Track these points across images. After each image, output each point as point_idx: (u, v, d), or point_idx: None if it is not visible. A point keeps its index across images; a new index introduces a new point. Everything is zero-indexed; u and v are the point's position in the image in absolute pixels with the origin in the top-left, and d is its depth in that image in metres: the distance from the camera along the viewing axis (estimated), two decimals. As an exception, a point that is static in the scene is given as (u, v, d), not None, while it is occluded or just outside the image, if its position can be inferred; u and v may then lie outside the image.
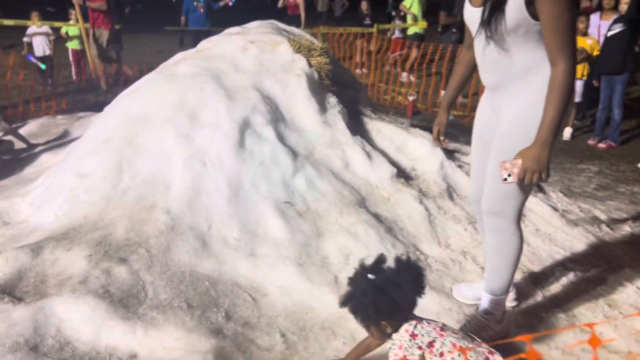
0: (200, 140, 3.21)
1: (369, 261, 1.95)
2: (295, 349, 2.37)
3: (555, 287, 2.91)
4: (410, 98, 7.39)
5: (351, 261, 2.86)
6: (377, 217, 3.20)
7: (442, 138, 2.62)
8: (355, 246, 2.93)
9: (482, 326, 2.40)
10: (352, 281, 1.93)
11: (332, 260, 2.85)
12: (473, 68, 2.42)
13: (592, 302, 2.80)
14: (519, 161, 2.01)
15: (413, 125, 4.46)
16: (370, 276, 1.86)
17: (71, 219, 2.98)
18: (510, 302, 2.64)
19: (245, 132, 3.28)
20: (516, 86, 2.09)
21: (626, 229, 3.76)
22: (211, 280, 2.64)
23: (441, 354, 1.80)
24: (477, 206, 2.47)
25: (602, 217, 3.91)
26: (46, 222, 3.06)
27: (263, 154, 3.23)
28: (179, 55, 4.10)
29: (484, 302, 2.43)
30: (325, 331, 2.48)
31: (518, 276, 2.91)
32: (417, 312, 2.75)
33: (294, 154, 3.33)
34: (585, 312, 2.72)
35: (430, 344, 1.83)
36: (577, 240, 3.42)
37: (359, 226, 3.03)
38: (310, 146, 3.46)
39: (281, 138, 3.36)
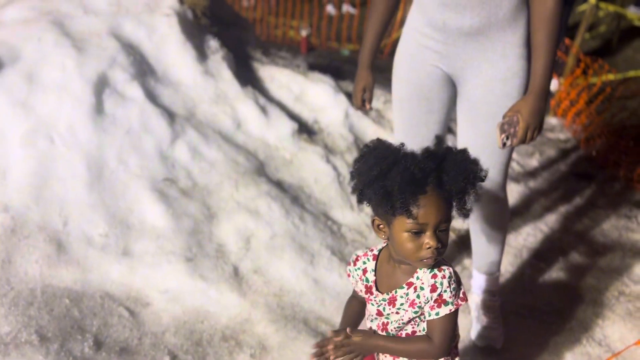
0: (44, 109, 2.47)
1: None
2: (192, 373, 1.89)
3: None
4: (304, 33, 6.79)
5: (253, 246, 2.38)
6: (280, 185, 2.71)
7: (367, 106, 2.11)
8: (257, 226, 2.44)
9: (497, 310, 2.14)
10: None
11: (229, 248, 2.35)
12: (395, 6, 1.90)
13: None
14: (516, 118, 1.64)
15: (311, 67, 3.93)
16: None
17: None
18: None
19: (103, 93, 2.57)
20: (505, 31, 1.66)
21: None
22: (73, 296, 2.04)
23: None
24: None
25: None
26: None
27: (130, 120, 2.56)
28: (9, -6, 3.17)
29: (488, 285, 2.11)
30: (227, 342, 2.01)
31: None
32: (330, 294, 2.38)
33: (171, 115, 2.70)
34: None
35: None
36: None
37: (260, 201, 2.52)
38: (191, 104, 2.83)
39: (152, 97, 2.70)
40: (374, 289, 1.24)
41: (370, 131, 3.33)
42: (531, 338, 2.15)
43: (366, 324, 1.31)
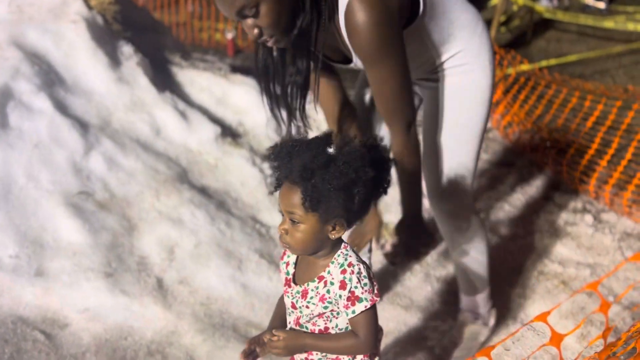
0: (-61, 126, 2.30)
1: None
2: (116, 393, 1.81)
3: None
4: (229, 35, 6.71)
5: (177, 256, 2.31)
6: (204, 191, 2.65)
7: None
8: (180, 235, 2.37)
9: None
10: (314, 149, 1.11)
11: (152, 260, 2.27)
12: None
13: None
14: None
15: (233, 70, 3.88)
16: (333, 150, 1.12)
17: None
18: None
19: (6, 105, 2.42)
20: None
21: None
22: (-19, 324, 1.91)
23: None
24: None
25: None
26: None
27: (38, 133, 2.43)
28: None
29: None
30: (153, 357, 1.94)
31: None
32: (259, 298, 2.34)
33: (83, 126, 2.58)
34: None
35: None
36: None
37: (183, 209, 2.46)
38: (105, 113, 2.72)
39: (62, 108, 2.57)
40: (291, 282, 1.23)
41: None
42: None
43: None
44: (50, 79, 2.62)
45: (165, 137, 2.83)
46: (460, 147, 1.68)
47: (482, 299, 2.01)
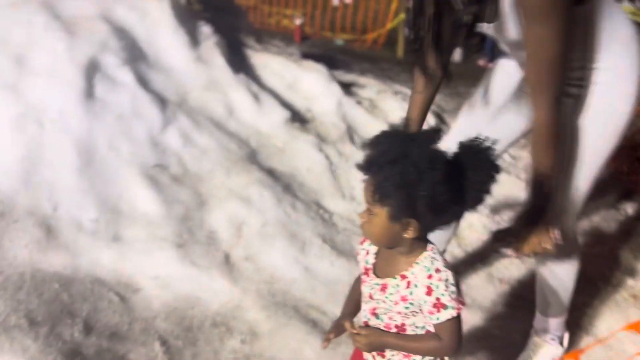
0: (34, 93, 2.44)
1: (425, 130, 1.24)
2: (181, 358, 1.89)
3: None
4: (297, 22, 6.76)
5: (245, 233, 2.37)
6: (271, 173, 2.70)
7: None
8: (248, 214, 2.43)
9: None
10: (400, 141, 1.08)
11: (220, 235, 2.34)
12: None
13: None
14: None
15: (304, 56, 3.92)
16: (430, 147, 1.07)
17: None
18: None
19: (93, 77, 2.54)
20: None
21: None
22: (63, 281, 2.03)
23: None
24: None
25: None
26: None
27: (121, 105, 2.54)
28: (-2, -24, 3.12)
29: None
30: (217, 328, 2.01)
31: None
32: (321, 282, 2.38)
33: (162, 101, 2.68)
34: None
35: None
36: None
37: (252, 189, 2.51)
38: (183, 90, 2.81)
39: (143, 82, 2.67)
40: (371, 272, 1.22)
41: (363, 120, 3.33)
42: (526, 327, 2.16)
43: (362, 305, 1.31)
44: (134, 54, 2.73)
45: (238, 117, 2.90)
46: (579, 170, 1.55)
47: (557, 323, 1.92)
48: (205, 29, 3.08)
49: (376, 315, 1.21)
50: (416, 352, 1.20)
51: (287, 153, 2.89)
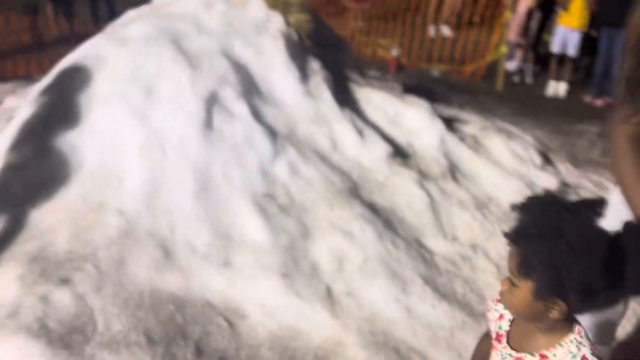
0: (159, 121, 2.64)
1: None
2: (284, 390, 1.93)
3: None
4: (394, 53, 6.80)
5: (346, 267, 2.40)
6: (372, 208, 2.72)
7: None
8: (350, 248, 2.46)
9: None
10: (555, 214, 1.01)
11: (323, 268, 2.38)
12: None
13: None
14: None
15: (407, 89, 3.93)
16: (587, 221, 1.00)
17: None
18: None
19: (212, 108, 2.71)
20: None
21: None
22: (177, 302, 2.15)
23: None
24: None
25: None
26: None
27: (235, 136, 2.68)
28: (132, 13, 3.43)
29: None
30: (319, 362, 2.04)
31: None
32: (422, 325, 2.34)
33: (273, 133, 2.79)
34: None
35: None
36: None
37: (354, 223, 2.55)
38: (292, 123, 2.92)
39: (256, 115, 2.81)
40: (503, 339, 1.16)
41: (466, 157, 3.28)
42: None
43: None
44: (249, 88, 2.88)
45: (341, 150, 2.96)
46: None
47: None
48: (314, 64, 3.19)
49: None
50: None
51: (388, 188, 2.90)
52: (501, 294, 1.10)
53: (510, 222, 1.08)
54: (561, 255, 0.95)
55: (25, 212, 2.43)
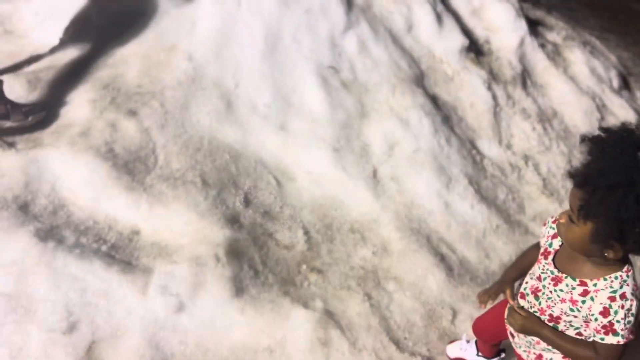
0: (237, -30, 2.57)
1: None
2: (318, 251, 2.09)
3: None
4: None
5: (396, 153, 2.44)
6: (434, 100, 2.69)
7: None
8: (403, 135, 2.48)
9: None
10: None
11: (373, 149, 2.43)
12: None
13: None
14: None
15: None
16: None
17: (77, 48, 2.50)
18: None
19: (293, -34, 2.60)
20: None
21: None
22: (233, 153, 2.27)
23: None
24: None
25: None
26: (49, 44, 2.59)
27: (311, 0, 2.60)
28: None
29: None
30: (354, 234, 2.17)
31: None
32: (457, 221, 2.41)
33: (349, 3, 2.70)
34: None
35: None
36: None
37: (412, 112, 2.54)
38: (371, -4, 2.80)
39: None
40: (550, 257, 1.21)
41: (542, 67, 3.13)
42: None
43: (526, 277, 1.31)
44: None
45: (415, 35, 2.86)
46: None
47: None
48: None
49: (536, 296, 1.22)
50: (567, 354, 1.20)
51: (454, 83, 2.83)
52: (558, 226, 1.11)
53: (574, 151, 1.06)
54: (629, 207, 0.95)
55: (102, 41, 2.51)
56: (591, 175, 0.99)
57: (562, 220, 1.09)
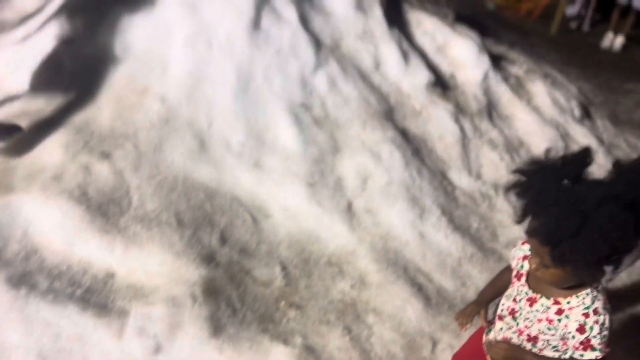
0: (208, 14, 2.64)
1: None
2: (296, 287, 2.08)
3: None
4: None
5: (369, 186, 2.49)
6: (404, 134, 2.76)
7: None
8: (376, 169, 2.53)
9: None
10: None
11: (347, 183, 2.47)
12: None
13: None
14: None
15: (459, 18, 3.81)
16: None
17: (49, 92, 2.51)
18: None
19: (262, 9, 2.69)
20: None
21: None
22: (208, 192, 2.28)
23: None
24: None
25: (651, 158, 3.47)
26: (20, 90, 2.59)
27: (281, 40, 2.68)
28: None
29: None
30: (331, 268, 2.18)
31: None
32: (432, 251, 2.45)
33: (318, 43, 2.78)
34: None
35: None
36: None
37: (384, 145, 2.60)
38: (338, 36, 2.90)
39: (304, 21, 2.78)
40: (523, 278, 1.24)
41: (506, 98, 3.25)
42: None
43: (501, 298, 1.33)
44: (302, -7, 2.83)
45: (383, 72, 2.95)
46: None
47: None
48: (370, -22, 3.09)
49: (514, 317, 1.24)
50: None
51: (422, 117, 2.91)
52: (533, 270, 1.13)
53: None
54: (599, 246, 0.98)
55: (74, 85, 2.52)
56: (549, 230, 1.02)
57: (534, 266, 1.12)
